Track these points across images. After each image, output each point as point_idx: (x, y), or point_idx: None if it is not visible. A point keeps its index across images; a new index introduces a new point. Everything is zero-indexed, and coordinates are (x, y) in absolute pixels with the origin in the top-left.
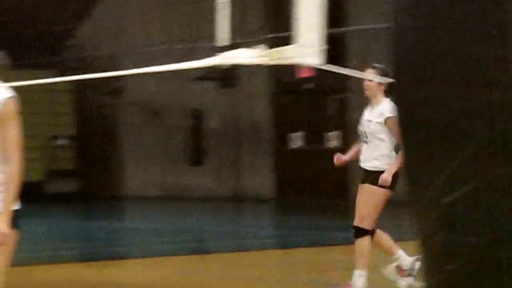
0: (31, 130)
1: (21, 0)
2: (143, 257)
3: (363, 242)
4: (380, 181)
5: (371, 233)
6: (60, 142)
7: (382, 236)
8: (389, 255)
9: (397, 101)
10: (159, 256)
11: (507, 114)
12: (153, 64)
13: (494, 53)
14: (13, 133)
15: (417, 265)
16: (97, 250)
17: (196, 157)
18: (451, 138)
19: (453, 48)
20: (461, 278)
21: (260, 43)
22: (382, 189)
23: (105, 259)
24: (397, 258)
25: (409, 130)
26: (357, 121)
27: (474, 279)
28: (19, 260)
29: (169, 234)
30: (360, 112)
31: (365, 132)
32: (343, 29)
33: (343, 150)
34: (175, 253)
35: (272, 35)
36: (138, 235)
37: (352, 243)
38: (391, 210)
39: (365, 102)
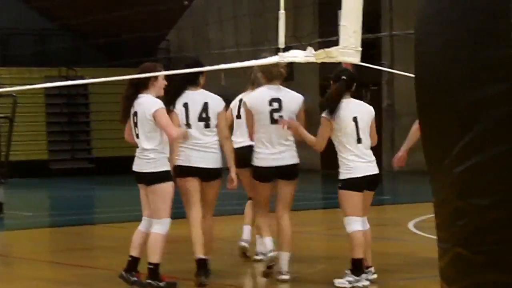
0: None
1: (123, 12)
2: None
3: None
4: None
5: None
6: None
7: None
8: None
9: (417, 95)
10: (230, 215)
11: (508, 102)
12: (225, 63)
13: (502, 53)
14: None
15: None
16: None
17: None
18: (463, 122)
19: (468, 50)
20: (468, 232)
21: (311, 46)
22: None
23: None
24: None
25: (429, 116)
26: (387, 107)
27: (480, 233)
28: (120, 218)
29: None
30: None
31: None
32: (377, 34)
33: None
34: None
35: (320, 39)
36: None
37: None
38: (414, 177)
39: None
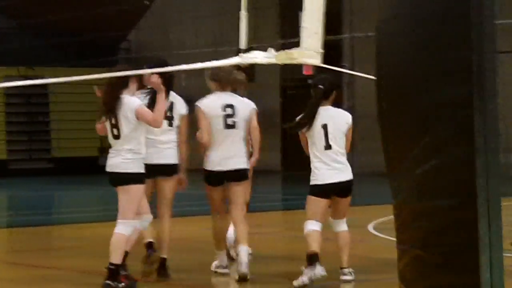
0: (89, 116)
1: (84, 12)
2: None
3: None
4: None
5: None
6: None
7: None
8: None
9: (378, 98)
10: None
11: (468, 105)
12: (186, 63)
13: (461, 56)
14: None
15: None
16: None
17: None
18: (423, 124)
19: (428, 53)
20: (426, 233)
21: (272, 47)
22: None
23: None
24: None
25: (388, 118)
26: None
27: (438, 234)
28: (82, 218)
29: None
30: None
31: None
32: (338, 36)
33: None
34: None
35: (281, 41)
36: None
37: None
38: (374, 179)
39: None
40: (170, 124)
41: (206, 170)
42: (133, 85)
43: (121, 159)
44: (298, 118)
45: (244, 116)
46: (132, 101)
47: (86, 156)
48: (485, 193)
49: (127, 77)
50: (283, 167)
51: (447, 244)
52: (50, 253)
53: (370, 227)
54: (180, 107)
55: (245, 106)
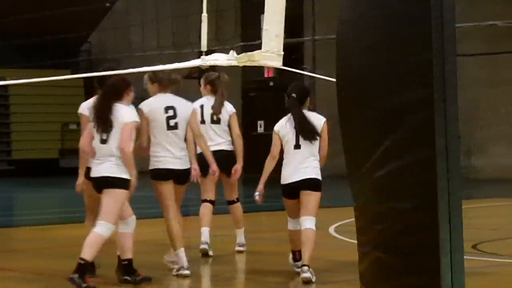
0: (50, 118)
1: (45, 13)
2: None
3: None
4: None
5: None
6: (71, 127)
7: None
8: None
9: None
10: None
11: (429, 107)
12: (147, 65)
13: (422, 58)
14: None
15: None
16: None
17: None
18: (384, 127)
19: (388, 55)
20: (387, 236)
21: (233, 49)
22: None
23: None
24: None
25: (349, 121)
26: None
27: (398, 236)
28: (43, 220)
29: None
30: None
31: None
32: (299, 38)
33: None
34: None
35: (242, 43)
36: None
37: None
38: (334, 181)
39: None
40: None
41: (156, 169)
42: (127, 96)
43: (109, 164)
44: (276, 126)
45: (185, 117)
46: (127, 115)
47: (47, 158)
48: (446, 195)
49: (120, 87)
50: (243, 169)
51: (408, 246)
52: (10, 255)
53: (331, 230)
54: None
55: (185, 107)
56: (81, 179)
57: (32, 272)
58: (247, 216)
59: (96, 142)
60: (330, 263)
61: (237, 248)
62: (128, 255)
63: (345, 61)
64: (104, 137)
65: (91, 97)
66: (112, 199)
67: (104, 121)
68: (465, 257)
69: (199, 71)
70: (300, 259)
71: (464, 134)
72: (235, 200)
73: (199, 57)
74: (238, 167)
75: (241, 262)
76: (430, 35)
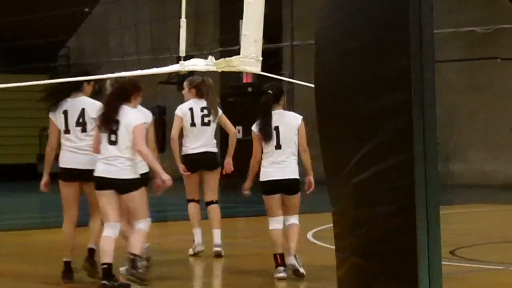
0: (28, 123)
1: (24, 18)
2: None
3: None
4: None
5: None
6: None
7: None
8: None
9: (317, 105)
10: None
11: (406, 113)
12: (126, 71)
13: (400, 64)
14: None
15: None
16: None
17: (160, 145)
18: (362, 132)
19: (366, 61)
20: (365, 241)
21: (212, 55)
22: None
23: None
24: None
25: (328, 126)
26: None
27: (376, 242)
28: (21, 225)
29: None
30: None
31: None
32: (278, 44)
33: None
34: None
35: (221, 48)
36: None
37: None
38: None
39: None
40: (84, 130)
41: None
42: (135, 99)
43: (121, 166)
44: (255, 125)
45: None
46: (135, 117)
47: (24, 163)
48: (423, 201)
49: (127, 90)
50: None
51: (386, 251)
52: None
53: (310, 235)
54: (91, 112)
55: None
56: (45, 178)
57: (11, 277)
58: (224, 221)
59: (104, 143)
60: (308, 269)
61: (215, 249)
62: (109, 259)
63: (323, 67)
64: (113, 138)
65: None
66: (134, 201)
67: (111, 123)
68: (443, 262)
69: (177, 76)
70: (281, 264)
71: (442, 139)
72: (214, 201)
73: (177, 63)
74: (229, 160)
75: (220, 264)
76: (408, 40)
